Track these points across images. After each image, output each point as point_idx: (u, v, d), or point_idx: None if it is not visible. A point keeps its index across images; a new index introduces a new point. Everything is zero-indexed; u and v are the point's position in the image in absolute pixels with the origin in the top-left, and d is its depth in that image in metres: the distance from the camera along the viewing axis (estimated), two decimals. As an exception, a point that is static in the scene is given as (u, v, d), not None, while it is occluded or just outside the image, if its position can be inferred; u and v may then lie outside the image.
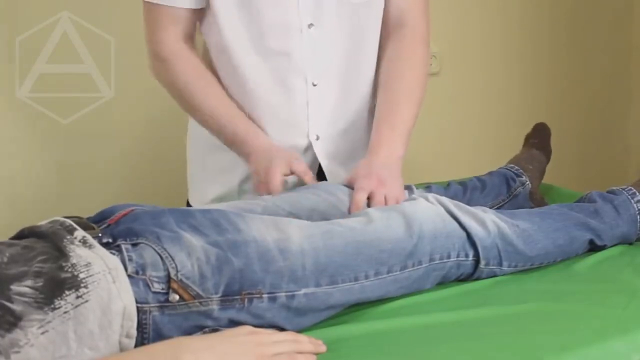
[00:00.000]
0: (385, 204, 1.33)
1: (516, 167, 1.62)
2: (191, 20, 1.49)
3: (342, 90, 1.52)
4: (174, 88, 1.51)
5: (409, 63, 1.52)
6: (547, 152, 1.72)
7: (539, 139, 1.73)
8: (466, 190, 1.54)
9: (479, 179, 1.60)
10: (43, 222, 1.06)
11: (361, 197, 1.33)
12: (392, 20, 1.54)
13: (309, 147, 1.53)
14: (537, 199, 1.61)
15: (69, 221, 1.05)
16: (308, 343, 1.00)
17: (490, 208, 1.39)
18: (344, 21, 1.48)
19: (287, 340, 0.99)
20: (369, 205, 1.33)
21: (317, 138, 1.53)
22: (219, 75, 1.51)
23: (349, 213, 1.32)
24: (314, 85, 1.49)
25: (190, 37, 1.50)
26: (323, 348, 1.00)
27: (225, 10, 1.44)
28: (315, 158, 1.54)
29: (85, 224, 1.06)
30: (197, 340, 0.95)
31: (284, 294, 1.05)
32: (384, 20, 1.54)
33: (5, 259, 0.95)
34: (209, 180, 1.60)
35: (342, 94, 1.53)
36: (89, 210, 1.18)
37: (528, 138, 1.76)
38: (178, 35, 1.48)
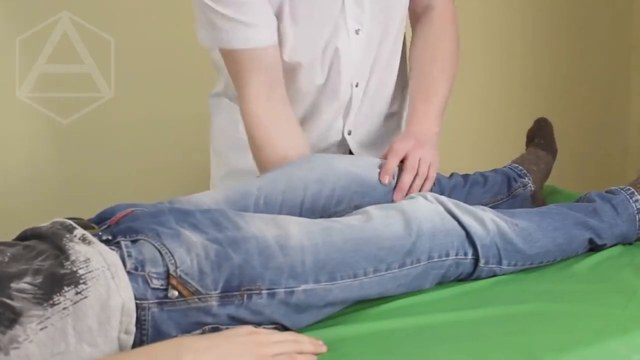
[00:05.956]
0: (418, 168, 1.39)
1: (520, 167, 1.61)
2: (275, 58, 1.44)
3: (376, 86, 1.60)
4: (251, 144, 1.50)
5: (440, 44, 1.60)
6: (552, 151, 1.70)
7: (544, 138, 1.71)
8: (466, 183, 1.54)
9: (482, 174, 1.60)
10: (44, 224, 1.06)
11: (393, 162, 1.39)
12: (420, 6, 1.62)
13: (342, 142, 1.61)
14: (538, 199, 1.60)
15: (69, 221, 1.05)
16: (308, 343, 1.00)
17: (487, 206, 1.39)
18: (378, 20, 1.53)
19: (287, 341, 0.99)
20: (400, 169, 1.39)
21: (349, 133, 1.60)
22: None
23: (380, 181, 1.38)
24: (356, 86, 1.56)
25: (278, 84, 1.46)
26: (323, 348, 1.00)
27: (290, 39, 1.45)
28: (348, 151, 1.62)
29: (86, 224, 1.07)
30: (198, 340, 0.96)
31: (283, 290, 1.06)
32: (412, 7, 1.61)
33: (6, 258, 0.96)
34: (234, 179, 1.63)
35: (376, 90, 1.60)
36: (89, 211, 1.18)
37: (532, 136, 1.74)
38: (265, 86, 1.44)
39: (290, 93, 1.53)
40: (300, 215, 1.29)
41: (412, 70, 1.61)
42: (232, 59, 1.44)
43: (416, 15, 1.64)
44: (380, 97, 1.63)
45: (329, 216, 1.31)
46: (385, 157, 1.43)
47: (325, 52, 1.50)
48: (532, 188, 1.56)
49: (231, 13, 1.38)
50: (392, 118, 1.69)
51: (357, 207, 1.31)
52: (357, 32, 1.50)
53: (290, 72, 1.50)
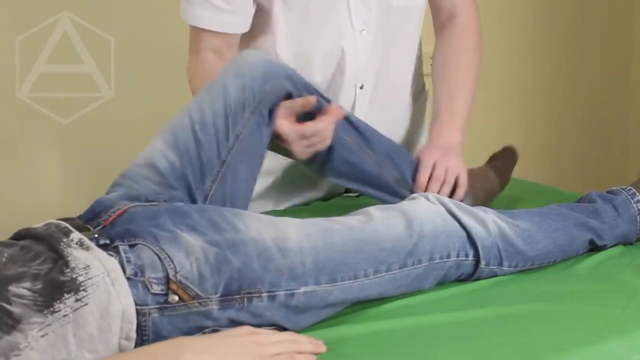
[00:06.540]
0: (445, 176, 1.41)
1: None
2: (236, 41, 1.49)
3: (389, 91, 1.60)
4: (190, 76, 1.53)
5: (463, 54, 1.60)
6: (503, 179, 1.60)
7: (503, 164, 1.63)
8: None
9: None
10: (38, 225, 1.06)
11: (424, 176, 1.42)
12: (445, 14, 1.62)
13: None
14: None
15: (64, 223, 1.05)
16: (308, 343, 1.00)
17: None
18: (387, 25, 1.52)
19: (286, 340, 0.99)
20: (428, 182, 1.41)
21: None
22: None
23: (411, 192, 1.38)
24: (361, 88, 1.55)
25: (233, 49, 1.49)
26: (323, 348, 1.00)
27: (281, 26, 1.46)
28: None
29: (80, 225, 1.06)
30: (198, 341, 0.96)
31: (283, 292, 1.05)
32: (436, 14, 1.63)
33: (3, 259, 0.96)
34: None
35: (389, 95, 1.60)
36: (90, 210, 1.18)
37: (492, 158, 1.65)
38: (219, 49, 1.48)
39: None
40: (229, 113, 1.26)
41: (436, 79, 1.61)
42: (195, 33, 1.48)
43: (439, 23, 1.64)
44: (396, 102, 1.63)
45: (257, 107, 1.28)
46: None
47: (330, 51, 1.50)
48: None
49: None
50: (406, 122, 1.69)
51: (290, 96, 1.32)
52: (361, 32, 1.50)
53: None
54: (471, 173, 1.51)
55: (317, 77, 1.51)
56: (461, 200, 1.41)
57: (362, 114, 1.56)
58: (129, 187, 1.20)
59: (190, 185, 1.22)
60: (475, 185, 1.51)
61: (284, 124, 1.32)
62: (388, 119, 1.61)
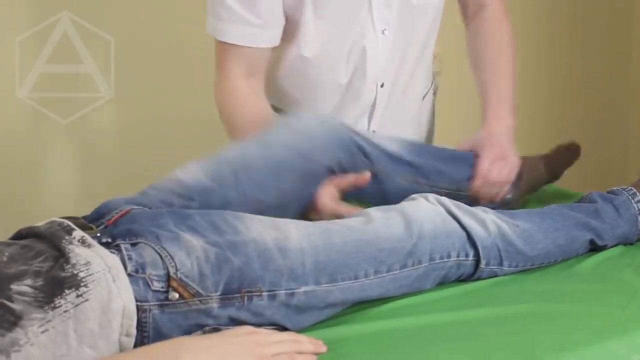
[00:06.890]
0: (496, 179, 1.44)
1: None
2: (265, 57, 1.48)
3: (404, 88, 1.60)
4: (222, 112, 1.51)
5: (500, 39, 1.62)
6: (553, 174, 1.63)
7: (557, 159, 1.65)
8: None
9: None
10: (40, 223, 1.06)
11: (477, 187, 1.44)
12: (473, 5, 1.64)
13: None
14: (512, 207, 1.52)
15: (67, 222, 1.05)
16: (308, 343, 1.00)
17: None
18: (406, 24, 1.52)
19: (287, 341, 0.99)
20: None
21: (374, 132, 1.59)
22: (289, 82, 1.53)
23: (474, 182, 1.43)
24: (381, 86, 1.55)
25: (259, 72, 1.48)
26: (323, 348, 1.00)
27: (308, 32, 1.46)
28: None
29: (83, 224, 1.07)
30: (198, 341, 0.96)
31: (283, 291, 1.06)
32: (464, 6, 1.66)
33: (4, 258, 0.96)
34: None
35: (404, 92, 1.60)
36: (89, 211, 1.18)
37: (556, 151, 1.66)
38: (246, 71, 1.46)
39: (311, 92, 1.53)
40: (277, 168, 1.27)
41: (479, 65, 1.63)
42: (223, 49, 1.46)
43: (469, 15, 1.65)
44: (410, 99, 1.63)
45: (306, 171, 1.30)
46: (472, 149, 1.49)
47: (352, 52, 1.50)
48: (509, 198, 1.51)
49: (237, 7, 1.40)
50: (417, 118, 1.70)
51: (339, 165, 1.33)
52: (383, 32, 1.50)
53: (311, 70, 1.50)
54: (522, 160, 1.53)
55: (342, 78, 1.52)
56: (504, 195, 1.47)
57: (379, 113, 1.58)
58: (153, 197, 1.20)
59: (211, 205, 1.21)
60: (523, 175, 1.53)
61: (324, 199, 1.31)
62: (403, 116, 1.62)
